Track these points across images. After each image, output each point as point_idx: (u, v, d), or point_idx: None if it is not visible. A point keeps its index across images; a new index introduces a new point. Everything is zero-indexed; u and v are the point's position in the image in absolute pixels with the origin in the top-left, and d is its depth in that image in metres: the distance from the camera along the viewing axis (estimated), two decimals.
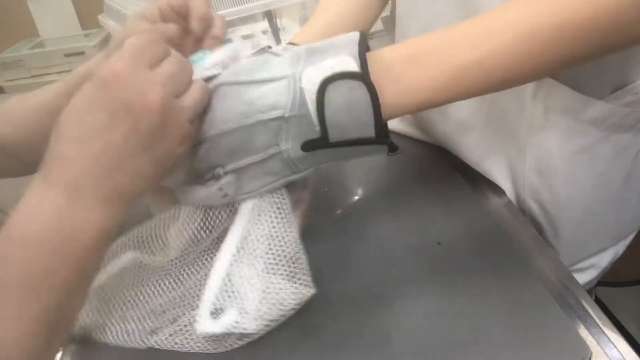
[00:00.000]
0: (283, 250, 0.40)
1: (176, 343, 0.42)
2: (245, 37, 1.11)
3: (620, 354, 0.38)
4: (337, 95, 0.34)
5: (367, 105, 0.34)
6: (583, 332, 0.39)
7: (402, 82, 0.35)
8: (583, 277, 0.59)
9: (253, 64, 0.38)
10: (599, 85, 0.49)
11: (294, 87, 0.35)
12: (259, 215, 0.41)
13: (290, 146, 0.37)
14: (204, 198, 0.41)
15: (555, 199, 0.53)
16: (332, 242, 0.48)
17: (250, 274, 0.40)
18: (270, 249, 0.40)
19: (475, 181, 0.59)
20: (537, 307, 0.41)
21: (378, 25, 0.65)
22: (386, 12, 0.67)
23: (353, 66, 0.35)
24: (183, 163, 0.39)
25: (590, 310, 0.41)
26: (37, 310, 0.31)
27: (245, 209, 0.41)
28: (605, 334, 0.39)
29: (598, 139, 0.50)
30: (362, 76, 0.34)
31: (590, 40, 0.33)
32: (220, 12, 1.19)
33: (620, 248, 0.60)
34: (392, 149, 0.37)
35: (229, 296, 0.39)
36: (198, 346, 0.41)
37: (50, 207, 0.32)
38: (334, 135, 0.36)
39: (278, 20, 1.28)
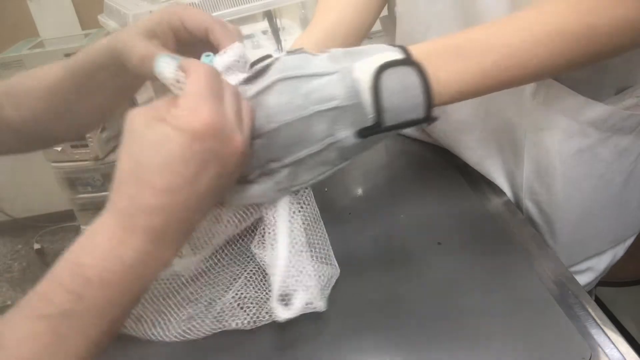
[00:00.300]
0: (320, 237, 0.45)
1: (216, 324, 0.43)
2: (246, 37, 1.11)
3: (621, 353, 0.38)
4: (392, 81, 0.37)
5: (420, 88, 0.37)
6: (583, 332, 0.39)
7: (443, 73, 0.38)
8: (581, 280, 0.59)
9: (296, 61, 0.39)
10: (600, 87, 0.49)
11: (347, 78, 0.38)
12: (295, 204, 0.43)
13: (346, 134, 0.39)
14: (257, 195, 0.42)
15: (553, 200, 0.53)
16: (332, 242, 0.48)
17: (303, 261, 0.42)
18: (309, 237, 0.43)
19: (475, 181, 0.59)
20: (537, 307, 0.41)
21: (376, 26, 0.65)
22: (384, 12, 0.67)
23: (400, 57, 0.38)
24: None
25: (590, 310, 0.41)
26: (95, 335, 0.32)
27: (283, 201, 0.42)
28: (605, 334, 0.39)
29: (597, 141, 0.49)
30: (414, 62, 0.37)
31: (616, 39, 0.37)
32: (220, 12, 1.19)
33: (619, 251, 0.60)
34: (432, 119, 0.39)
35: (295, 281, 0.41)
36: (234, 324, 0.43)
37: (132, 253, 0.33)
38: (387, 119, 0.38)
39: (278, 20, 1.28)
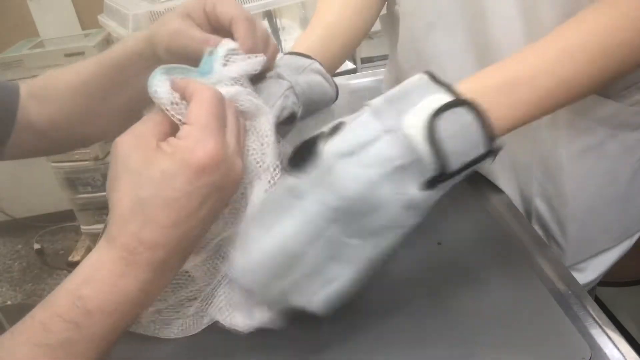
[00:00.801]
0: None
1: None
2: None
3: (621, 353, 0.38)
4: (448, 125, 0.35)
5: (476, 123, 0.35)
6: (583, 332, 0.39)
7: (494, 112, 0.36)
8: (589, 275, 0.59)
9: (346, 136, 0.37)
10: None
11: (399, 136, 0.35)
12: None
13: (413, 190, 0.36)
14: (344, 285, 0.40)
15: (561, 196, 0.53)
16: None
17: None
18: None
19: (476, 181, 0.59)
20: (537, 307, 0.41)
21: (376, 26, 0.65)
22: (383, 11, 0.67)
23: (448, 100, 0.35)
24: None
25: (590, 310, 0.41)
26: (94, 358, 0.33)
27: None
28: (605, 334, 0.39)
29: (605, 138, 0.50)
30: (465, 102, 0.35)
31: None
32: None
33: (626, 246, 0.60)
34: (497, 150, 0.38)
35: None
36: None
37: (135, 286, 0.33)
38: (451, 165, 0.36)
39: (278, 20, 1.28)
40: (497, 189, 0.58)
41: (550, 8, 0.44)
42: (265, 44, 0.44)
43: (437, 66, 0.56)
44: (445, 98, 0.36)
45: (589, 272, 0.59)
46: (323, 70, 0.51)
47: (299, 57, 0.51)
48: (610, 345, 0.38)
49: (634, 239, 0.60)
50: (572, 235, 0.55)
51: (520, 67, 0.38)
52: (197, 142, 0.33)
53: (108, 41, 1.69)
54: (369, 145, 0.36)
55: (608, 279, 0.65)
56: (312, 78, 0.49)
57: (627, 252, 0.61)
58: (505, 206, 0.55)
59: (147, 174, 0.33)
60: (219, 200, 0.35)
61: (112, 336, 0.33)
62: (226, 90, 0.39)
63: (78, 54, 1.62)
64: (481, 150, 0.36)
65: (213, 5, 0.43)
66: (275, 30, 1.28)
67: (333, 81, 0.51)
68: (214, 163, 0.33)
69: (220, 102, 0.36)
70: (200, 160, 0.33)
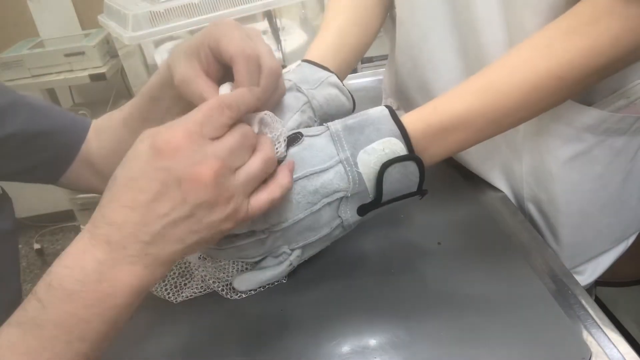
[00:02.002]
0: None
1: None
2: None
3: (621, 354, 0.38)
4: (395, 173, 0.42)
5: (416, 173, 0.42)
6: (583, 332, 0.39)
7: (432, 150, 0.43)
8: (586, 279, 0.59)
9: (302, 154, 0.42)
10: (593, 91, 0.49)
11: (352, 171, 0.42)
12: None
13: (349, 215, 0.44)
14: (271, 279, 0.46)
15: (553, 203, 0.53)
16: (332, 243, 0.48)
17: None
18: None
19: (475, 181, 0.59)
20: (537, 307, 0.41)
21: None
22: None
23: (401, 147, 0.42)
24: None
25: (590, 310, 0.41)
26: (67, 356, 0.32)
27: None
28: (605, 334, 0.39)
29: (593, 144, 0.50)
30: (414, 157, 0.42)
31: (587, 82, 0.41)
32: (220, 13, 1.19)
33: (622, 248, 0.60)
34: (423, 194, 0.45)
35: None
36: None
37: (92, 263, 0.33)
38: (385, 198, 0.43)
39: (278, 20, 1.29)
40: (496, 189, 0.58)
41: (532, 15, 0.44)
42: (268, 78, 0.42)
43: (432, 72, 0.57)
44: (399, 146, 0.42)
45: (587, 275, 0.59)
46: (340, 83, 0.51)
47: (316, 69, 0.52)
48: (610, 345, 0.38)
49: (630, 241, 0.60)
50: (566, 241, 0.55)
51: (456, 110, 0.42)
52: (166, 128, 0.34)
53: (108, 41, 1.69)
54: (323, 173, 0.42)
55: (608, 279, 0.65)
56: (329, 92, 0.50)
57: (627, 252, 0.61)
58: (505, 206, 0.55)
59: (128, 154, 0.35)
60: (181, 202, 0.34)
61: (81, 330, 0.32)
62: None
63: (78, 54, 1.62)
64: (414, 189, 0.43)
65: (216, 43, 0.42)
66: (275, 30, 1.28)
67: (349, 93, 0.52)
68: (169, 149, 0.33)
69: (219, 113, 0.35)
70: (158, 143, 0.33)
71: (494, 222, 0.52)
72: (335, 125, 0.43)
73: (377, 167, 0.41)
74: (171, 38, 1.16)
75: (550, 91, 0.40)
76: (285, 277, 0.48)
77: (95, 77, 1.61)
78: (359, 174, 0.42)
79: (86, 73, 1.62)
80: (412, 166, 0.42)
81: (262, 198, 0.38)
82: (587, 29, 0.38)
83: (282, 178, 0.39)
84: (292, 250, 0.45)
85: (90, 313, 0.32)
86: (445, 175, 0.60)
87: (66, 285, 0.32)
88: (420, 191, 0.44)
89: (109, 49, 1.70)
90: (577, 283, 0.44)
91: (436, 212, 0.54)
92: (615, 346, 0.38)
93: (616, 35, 0.37)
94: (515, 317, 0.40)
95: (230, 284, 0.47)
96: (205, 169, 0.34)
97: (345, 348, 0.40)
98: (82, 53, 1.62)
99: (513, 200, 0.57)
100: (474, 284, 0.44)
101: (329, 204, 0.42)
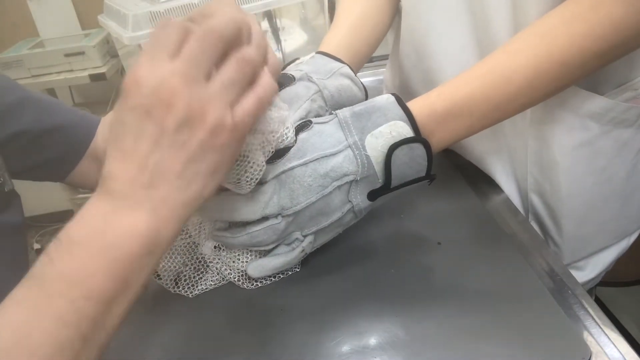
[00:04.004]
0: None
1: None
2: None
3: (621, 353, 0.38)
4: (402, 156, 0.42)
5: (424, 156, 0.43)
6: (583, 332, 0.40)
7: (439, 134, 0.44)
8: (587, 275, 0.59)
9: (311, 139, 0.43)
10: (600, 82, 0.49)
11: (360, 155, 0.42)
12: None
13: (359, 200, 0.44)
14: (283, 266, 0.46)
15: (556, 193, 0.53)
16: (332, 242, 0.48)
17: None
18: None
19: (476, 181, 0.59)
20: (536, 307, 0.41)
21: None
22: None
23: (407, 130, 0.42)
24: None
25: (590, 310, 0.41)
26: (71, 316, 0.30)
27: None
28: (605, 334, 0.39)
29: (598, 134, 0.50)
30: (420, 139, 0.42)
31: (589, 68, 0.41)
32: None
33: (623, 246, 0.60)
34: (432, 179, 0.45)
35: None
36: None
37: (97, 212, 0.32)
38: (395, 182, 0.43)
39: (278, 20, 1.28)
40: (497, 189, 0.58)
41: (536, 3, 0.45)
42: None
43: (436, 64, 0.57)
44: (405, 129, 0.42)
45: (588, 271, 0.59)
46: (352, 74, 0.52)
47: (328, 60, 0.52)
48: (610, 345, 0.38)
49: (632, 238, 0.60)
50: (569, 233, 0.55)
51: (460, 94, 0.43)
52: (130, 69, 0.33)
53: (108, 41, 1.69)
54: (332, 157, 0.42)
55: (608, 279, 0.65)
56: (341, 82, 0.50)
57: (627, 252, 0.61)
58: (504, 206, 0.55)
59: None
60: (161, 132, 0.32)
61: (86, 286, 0.30)
62: None
63: (78, 54, 1.62)
64: (422, 174, 0.44)
65: (207, 18, 0.40)
66: (275, 30, 1.28)
67: (362, 84, 0.52)
68: (134, 84, 0.32)
69: (169, 29, 0.33)
70: (125, 85, 0.32)
71: (494, 222, 0.52)
72: (343, 112, 0.44)
73: (385, 150, 0.42)
74: None
75: (552, 76, 0.41)
76: (299, 265, 0.48)
77: (95, 77, 1.61)
78: (367, 157, 0.42)
79: (86, 73, 1.62)
80: (419, 149, 0.42)
81: (248, 102, 0.35)
82: (588, 15, 0.39)
83: (264, 78, 0.37)
84: (305, 236, 0.45)
85: (95, 265, 0.31)
86: (445, 176, 0.60)
87: (72, 237, 0.31)
88: (429, 176, 0.44)
89: (109, 49, 1.70)
90: (577, 283, 0.44)
91: (436, 212, 0.54)
92: (615, 346, 0.38)
93: (618, 21, 0.38)
94: (515, 317, 0.40)
95: (245, 273, 0.47)
96: (166, 90, 0.31)
97: (345, 348, 0.40)
98: (82, 53, 1.62)
99: (517, 193, 0.57)
100: (473, 284, 0.44)
101: (339, 187, 0.43)
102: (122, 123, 0.33)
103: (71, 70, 1.65)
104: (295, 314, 0.44)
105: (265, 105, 0.37)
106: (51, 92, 1.76)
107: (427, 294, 0.44)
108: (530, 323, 0.40)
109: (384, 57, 0.79)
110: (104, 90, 1.81)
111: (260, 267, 0.46)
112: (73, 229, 0.32)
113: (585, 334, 0.39)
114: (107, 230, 0.32)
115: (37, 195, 2.03)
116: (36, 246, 2.09)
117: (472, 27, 0.53)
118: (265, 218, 0.43)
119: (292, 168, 0.42)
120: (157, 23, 0.36)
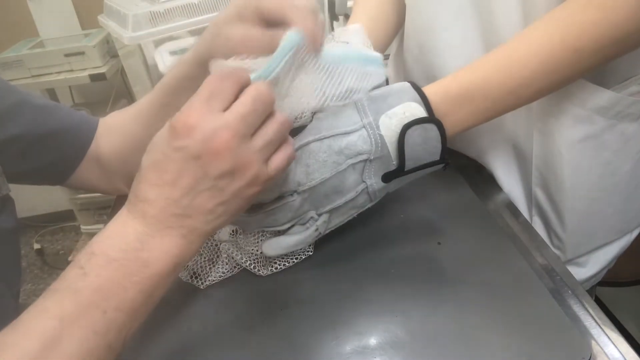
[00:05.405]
0: None
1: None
2: None
3: (621, 353, 0.38)
4: (415, 136, 0.43)
5: (437, 138, 0.43)
6: (583, 332, 0.40)
7: (453, 117, 0.44)
8: (587, 271, 0.59)
9: (328, 118, 0.44)
10: (605, 75, 0.49)
11: (374, 134, 0.43)
12: None
13: (373, 180, 0.45)
14: (298, 245, 0.47)
15: (560, 186, 0.53)
16: (332, 242, 0.48)
17: None
18: None
19: (476, 181, 0.59)
20: (537, 307, 0.41)
21: None
22: None
23: (421, 111, 0.43)
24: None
25: (590, 310, 0.41)
26: (102, 325, 0.33)
27: None
28: (605, 334, 0.39)
29: (603, 128, 0.50)
30: (433, 120, 0.43)
31: (603, 56, 0.42)
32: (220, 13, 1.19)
33: (625, 242, 0.60)
34: (447, 163, 0.45)
35: None
36: None
37: (133, 233, 0.35)
38: (409, 165, 0.44)
39: None
40: (497, 189, 0.58)
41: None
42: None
43: (439, 58, 0.57)
44: (419, 109, 0.43)
45: (589, 267, 0.59)
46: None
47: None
48: (610, 345, 0.38)
49: (634, 234, 0.60)
50: (572, 227, 0.55)
51: (475, 78, 0.44)
52: (181, 110, 0.36)
53: (108, 41, 1.69)
54: (347, 135, 0.43)
55: (608, 279, 0.65)
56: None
57: (627, 251, 0.61)
58: (505, 206, 0.55)
59: (151, 141, 0.37)
60: (204, 176, 0.35)
61: (118, 298, 0.33)
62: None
63: (78, 54, 1.62)
64: (437, 157, 0.44)
65: (261, 2, 0.42)
66: None
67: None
68: (185, 127, 0.35)
69: (224, 82, 0.36)
70: (174, 124, 0.35)
71: (494, 222, 0.52)
72: (359, 96, 0.45)
73: (398, 130, 0.42)
74: (171, 38, 1.16)
75: (566, 62, 0.42)
76: (311, 248, 0.49)
77: (95, 77, 1.61)
78: (381, 136, 0.43)
79: (86, 73, 1.62)
80: (433, 130, 0.43)
81: (279, 157, 0.39)
82: (603, 2, 0.40)
83: (291, 139, 0.41)
84: (319, 215, 0.45)
85: (129, 281, 0.34)
86: (446, 176, 0.60)
87: (109, 253, 0.34)
88: (444, 160, 0.45)
89: (109, 49, 1.70)
90: (577, 283, 0.44)
91: (436, 212, 0.54)
92: (615, 346, 0.38)
93: (632, 8, 0.39)
94: (515, 317, 0.40)
95: (259, 259, 0.48)
96: (218, 142, 0.35)
97: (346, 347, 0.40)
98: (82, 53, 1.62)
99: (519, 188, 0.57)
100: (473, 284, 0.44)
101: (353, 166, 0.43)
102: (167, 157, 0.36)
103: (71, 70, 1.64)
104: (295, 314, 0.44)
105: (291, 161, 0.41)
106: (51, 92, 1.76)
107: (427, 293, 0.44)
108: (530, 323, 0.40)
109: (385, 57, 0.79)
110: (104, 90, 1.81)
111: (275, 243, 0.46)
112: (110, 246, 0.35)
113: (585, 334, 0.39)
114: (144, 251, 0.35)
115: (37, 195, 2.03)
116: (36, 246, 2.09)
117: (476, 21, 0.53)
118: (281, 197, 0.44)
119: (308, 143, 0.43)
120: (216, 67, 0.40)
